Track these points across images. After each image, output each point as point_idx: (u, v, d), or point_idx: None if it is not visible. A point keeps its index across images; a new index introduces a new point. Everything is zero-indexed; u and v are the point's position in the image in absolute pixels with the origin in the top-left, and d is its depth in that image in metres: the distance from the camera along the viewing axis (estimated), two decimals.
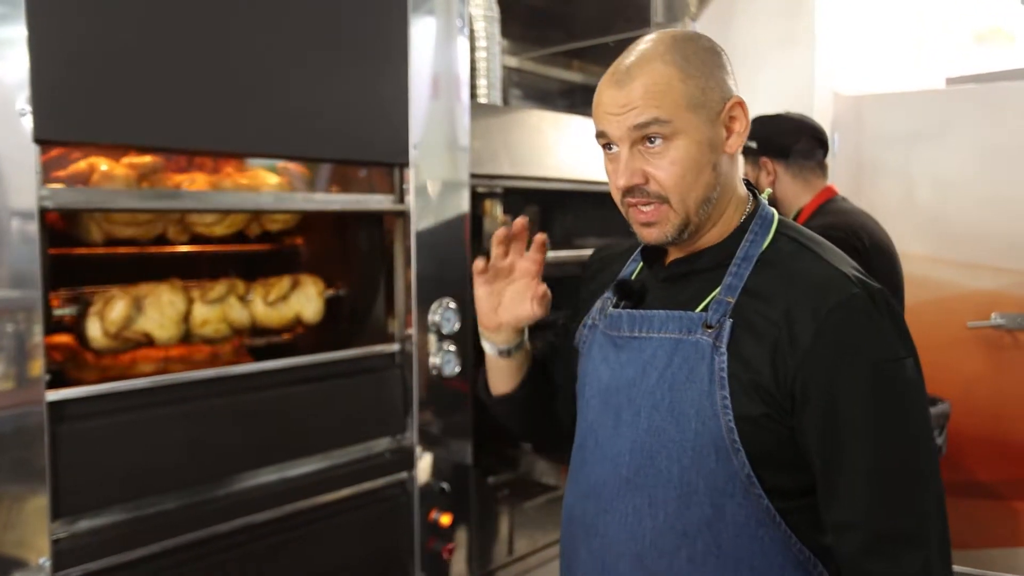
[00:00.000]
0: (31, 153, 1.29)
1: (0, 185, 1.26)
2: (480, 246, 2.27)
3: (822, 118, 3.52)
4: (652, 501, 1.07)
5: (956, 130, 3.40)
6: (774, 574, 1.04)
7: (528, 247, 1.27)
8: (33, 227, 1.30)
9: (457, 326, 1.93)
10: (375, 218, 1.92)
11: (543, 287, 1.26)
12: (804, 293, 1.02)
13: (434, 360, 1.90)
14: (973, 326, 3.28)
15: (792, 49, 3.48)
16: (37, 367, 1.31)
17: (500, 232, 1.24)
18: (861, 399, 0.99)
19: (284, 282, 1.77)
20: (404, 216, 1.86)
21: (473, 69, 2.41)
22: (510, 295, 1.27)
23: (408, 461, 1.88)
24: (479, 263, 1.26)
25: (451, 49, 1.94)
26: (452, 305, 1.91)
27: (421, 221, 1.87)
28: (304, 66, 1.64)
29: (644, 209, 1.08)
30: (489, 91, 2.47)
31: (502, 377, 1.34)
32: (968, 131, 3.36)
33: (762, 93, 3.54)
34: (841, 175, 3.61)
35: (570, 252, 2.55)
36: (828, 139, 2.32)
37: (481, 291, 1.28)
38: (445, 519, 1.93)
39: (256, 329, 1.82)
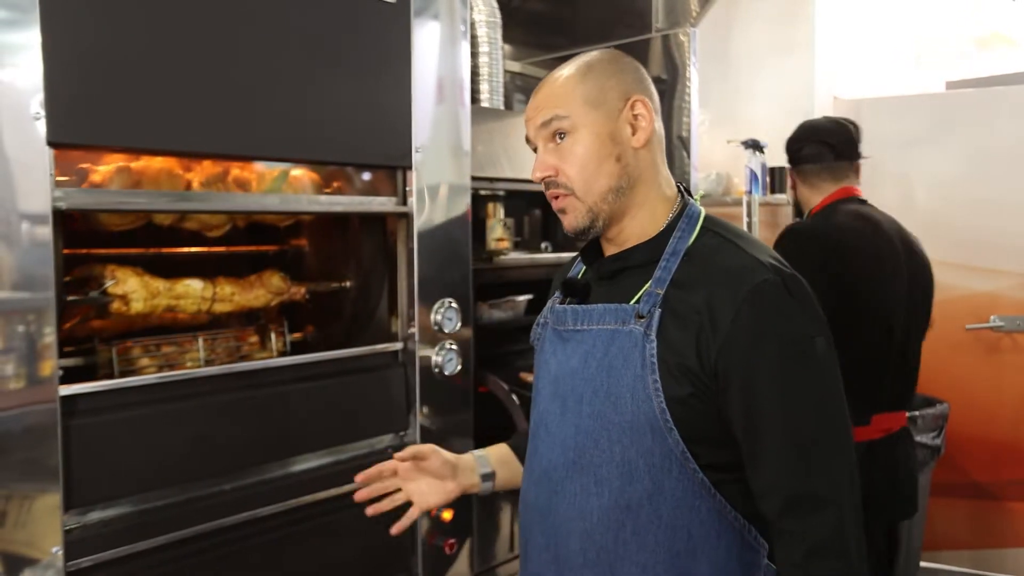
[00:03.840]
0: (45, 156, 1.34)
1: (15, 187, 1.31)
2: (481, 247, 2.31)
3: None
4: (597, 480, 1.16)
5: (955, 134, 3.42)
6: (711, 540, 1.13)
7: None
8: (47, 228, 1.34)
9: (458, 325, 1.97)
10: (378, 219, 1.96)
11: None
12: (723, 281, 1.12)
13: (436, 359, 1.94)
14: (971, 328, 3.30)
15: (792, 54, 3.51)
16: (51, 364, 1.35)
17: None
18: (773, 374, 1.09)
19: (277, 172, 1.84)
20: (407, 218, 1.90)
21: (476, 74, 2.46)
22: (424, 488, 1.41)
23: None
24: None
25: (453, 54, 1.98)
26: (454, 305, 1.95)
27: (423, 223, 1.91)
28: (310, 71, 1.68)
29: (556, 201, 1.21)
30: (491, 95, 2.51)
31: (511, 485, 1.46)
32: (967, 135, 3.39)
33: (762, 98, 3.58)
34: None
35: (569, 254, 2.59)
36: (847, 140, 2.33)
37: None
38: (447, 515, 1.96)
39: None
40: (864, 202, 2.33)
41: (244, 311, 1.87)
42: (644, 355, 1.12)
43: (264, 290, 1.83)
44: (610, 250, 1.26)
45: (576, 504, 1.18)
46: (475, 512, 2.09)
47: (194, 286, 1.71)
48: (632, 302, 1.17)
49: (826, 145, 2.32)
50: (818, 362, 1.10)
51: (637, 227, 1.22)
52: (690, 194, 1.28)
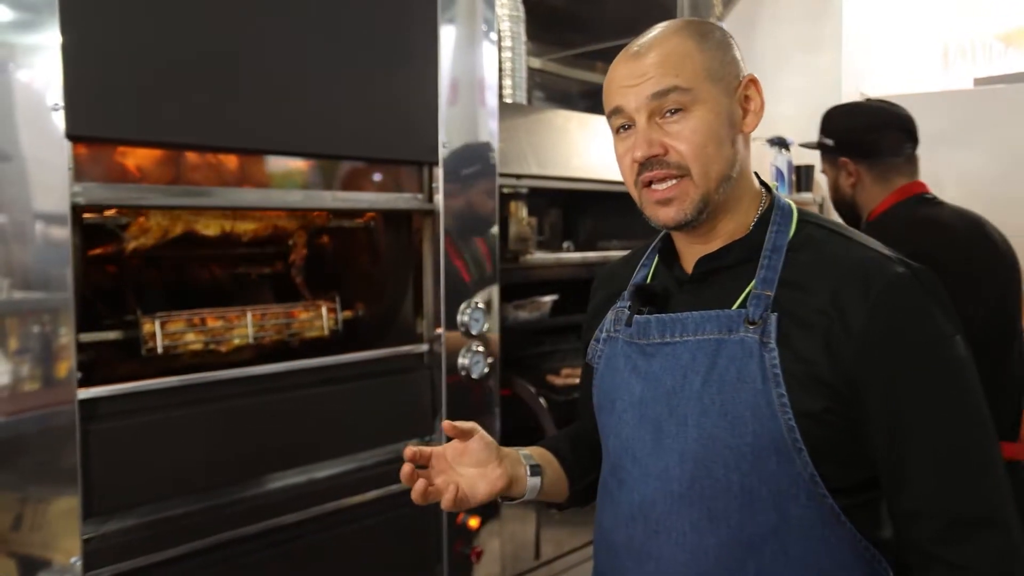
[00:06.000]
0: (64, 150, 1.29)
1: (33, 182, 1.26)
2: (506, 246, 2.25)
3: None
4: (712, 515, 1.00)
5: (984, 131, 3.36)
6: (842, 575, 1.00)
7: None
8: (65, 224, 1.29)
9: (486, 327, 1.91)
10: (404, 217, 1.90)
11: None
12: (848, 277, 0.98)
13: (463, 361, 1.88)
14: None
15: (819, 51, 3.46)
16: (69, 365, 1.30)
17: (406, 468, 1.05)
18: (922, 381, 0.96)
19: None
20: (433, 215, 1.84)
21: (499, 69, 2.40)
22: (465, 480, 1.09)
23: None
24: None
25: (480, 49, 1.93)
26: (480, 305, 1.89)
27: (450, 220, 1.86)
28: (335, 66, 1.63)
29: (660, 187, 1.03)
30: (514, 91, 2.46)
31: (555, 492, 1.22)
32: (996, 132, 3.32)
33: (788, 95, 3.52)
34: None
35: (595, 254, 2.54)
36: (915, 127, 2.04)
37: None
38: (473, 522, 1.91)
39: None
40: (935, 200, 2.02)
41: (267, 234, 1.81)
42: (765, 366, 0.98)
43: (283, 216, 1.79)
44: (691, 249, 1.11)
45: (686, 544, 1.02)
46: (501, 519, 2.03)
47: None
48: (735, 306, 1.03)
49: (906, 133, 2.02)
50: (961, 363, 0.97)
51: (731, 223, 1.07)
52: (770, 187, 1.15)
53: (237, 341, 1.69)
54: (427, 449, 1.08)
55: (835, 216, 2.19)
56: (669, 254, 1.15)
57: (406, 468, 1.04)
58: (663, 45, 1.03)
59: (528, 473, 1.14)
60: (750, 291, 1.03)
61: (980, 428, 0.97)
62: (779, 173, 3.28)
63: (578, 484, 1.24)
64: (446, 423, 1.09)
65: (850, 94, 3.46)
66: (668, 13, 2.93)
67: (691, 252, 1.11)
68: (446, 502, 1.05)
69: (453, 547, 1.89)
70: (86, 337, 1.48)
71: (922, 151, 3.41)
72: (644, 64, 1.02)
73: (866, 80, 3.57)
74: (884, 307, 0.96)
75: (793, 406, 0.97)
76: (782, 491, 0.98)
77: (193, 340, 1.64)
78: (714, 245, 1.08)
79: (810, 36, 3.47)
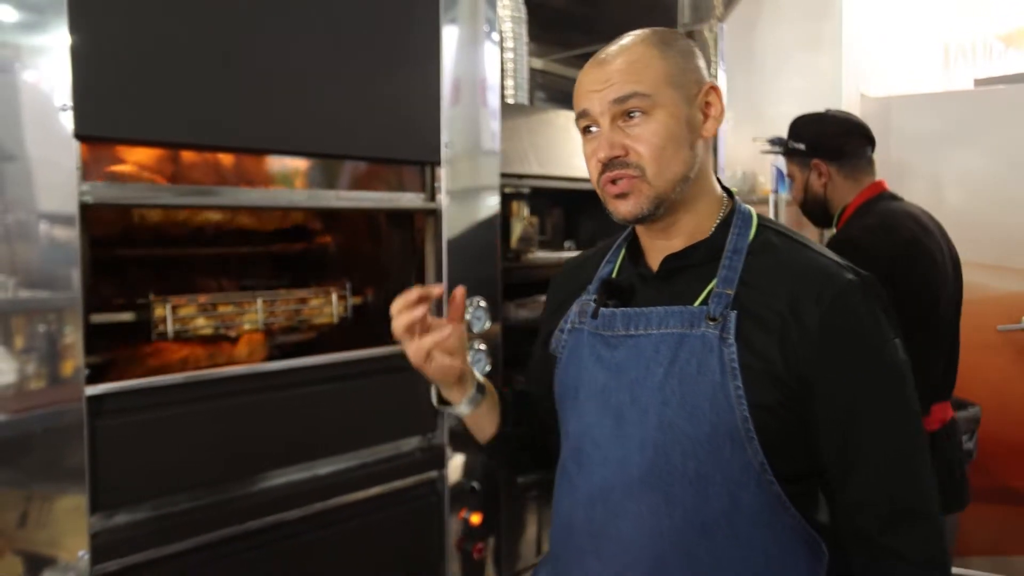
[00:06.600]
0: (71, 149, 1.30)
1: (41, 182, 1.27)
2: (508, 246, 2.27)
3: None
4: (668, 499, 1.06)
5: (984, 131, 3.37)
6: (787, 558, 1.07)
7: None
8: (73, 223, 1.31)
9: (488, 325, 1.92)
10: (406, 217, 1.92)
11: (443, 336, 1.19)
12: (804, 282, 1.06)
13: None
14: (1003, 329, 3.24)
15: (819, 51, 3.47)
16: (77, 362, 1.32)
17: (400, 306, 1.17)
18: (869, 380, 1.04)
19: None
20: (435, 215, 1.86)
21: (501, 70, 2.41)
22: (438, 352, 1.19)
23: (439, 460, 1.87)
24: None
25: (481, 51, 1.95)
26: (483, 304, 1.91)
27: (452, 220, 1.87)
28: (340, 66, 1.65)
29: (618, 182, 1.09)
30: (516, 92, 2.47)
31: (486, 423, 1.30)
32: (997, 132, 3.33)
33: (788, 95, 3.53)
34: None
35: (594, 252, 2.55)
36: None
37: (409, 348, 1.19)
38: (475, 518, 1.92)
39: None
40: (896, 197, 2.28)
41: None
42: (723, 361, 1.04)
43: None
44: (654, 245, 1.17)
45: (643, 526, 1.08)
46: (503, 517, 2.04)
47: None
48: (697, 303, 1.09)
49: (866, 138, 2.27)
50: (903, 365, 1.06)
51: (691, 222, 1.14)
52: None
53: (247, 327, 1.71)
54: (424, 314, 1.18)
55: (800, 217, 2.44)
56: (635, 251, 1.21)
57: (413, 294, 1.17)
58: (627, 53, 1.10)
59: (474, 388, 1.25)
60: (711, 289, 1.09)
61: (917, 425, 1.06)
62: (779, 173, 3.30)
63: (507, 427, 1.31)
64: (438, 288, 1.22)
65: (850, 94, 3.47)
66: (668, 13, 2.95)
67: (655, 249, 1.17)
68: (414, 345, 1.18)
69: (456, 543, 1.91)
70: (97, 318, 1.50)
71: (922, 151, 3.44)
72: (608, 70, 1.09)
73: (866, 80, 3.58)
74: (835, 311, 1.03)
75: (748, 398, 1.03)
76: (734, 478, 1.05)
77: (203, 325, 1.65)
78: (676, 243, 1.15)
79: (810, 36, 3.49)
